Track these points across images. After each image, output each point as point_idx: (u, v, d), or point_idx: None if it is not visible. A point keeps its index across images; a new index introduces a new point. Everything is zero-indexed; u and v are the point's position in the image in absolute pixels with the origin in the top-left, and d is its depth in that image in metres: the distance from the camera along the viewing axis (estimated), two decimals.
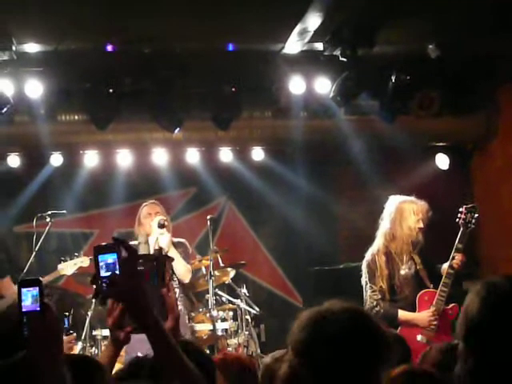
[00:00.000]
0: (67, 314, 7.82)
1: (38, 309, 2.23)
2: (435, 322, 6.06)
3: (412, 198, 6.40)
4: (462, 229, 6.18)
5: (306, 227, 9.91)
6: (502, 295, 2.07)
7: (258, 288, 10.01)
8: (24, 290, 2.26)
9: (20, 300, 2.25)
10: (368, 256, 6.29)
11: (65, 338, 4.50)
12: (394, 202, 6.38)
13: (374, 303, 6.08)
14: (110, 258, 2.22)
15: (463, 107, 8.88)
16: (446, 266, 6.15)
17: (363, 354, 2.06)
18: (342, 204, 10.04)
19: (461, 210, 6.28)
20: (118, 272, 2.20)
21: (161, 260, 2.78)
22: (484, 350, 2.02)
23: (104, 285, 2.21)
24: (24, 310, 2.24)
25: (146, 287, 2.25)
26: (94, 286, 2.26)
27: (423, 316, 6.09)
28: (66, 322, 7.78)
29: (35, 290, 2.26)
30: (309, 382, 2.07)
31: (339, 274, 8.76)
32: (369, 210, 8.93)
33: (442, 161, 9.45)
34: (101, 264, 2.23)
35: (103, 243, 2.26)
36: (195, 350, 2.71)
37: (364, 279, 6.24)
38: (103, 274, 2.23)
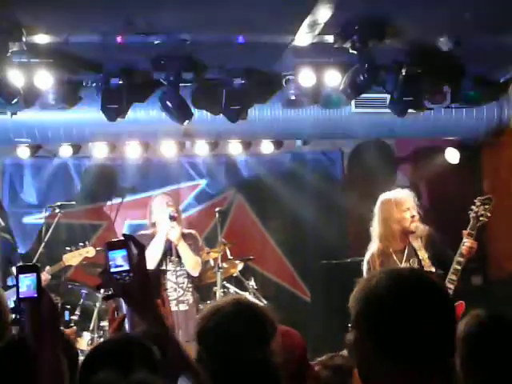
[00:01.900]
0: (68, 306, 7.82)
1: (35, 295, 2.25)
2: None
3: (393, 191, 6.36)
4: (472, 221, 6.11)
5: (315, 221, 9.90)
6: (407, 284, 2.02)
7: (266, 281, 10.01)
8: (21, 277, 2.27)
9: (17, 286, 2.26)
10: (367, 257, 6.30)
11: (66, 330, 4.54)
12: (377, 203, 6.38)
13: None
14: (120, 254, 2.22)
15: (474, 101, 8.83)
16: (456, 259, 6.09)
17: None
18: (351, 198, 10.01)
19: (475, 201, 6.19)
20: (127, 268, 2.20)
21: (156, 274, 2.83)
22: (385, 332, 1.95)
23: (116, 278, 2.21)
24: (21, 296, 2.25)
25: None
26: (100, 280, 2.26)
27: None
28: (67, 316, 7.80)
29: (32, 277, 2.27)
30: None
31: (347, 268, 8.74)
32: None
33: (452, 155, 9.41)
34: (110, 260, 2.23)
35: (114, 239, 2.27)
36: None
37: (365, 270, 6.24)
38: (113, 269, 2.22)
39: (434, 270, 6.13)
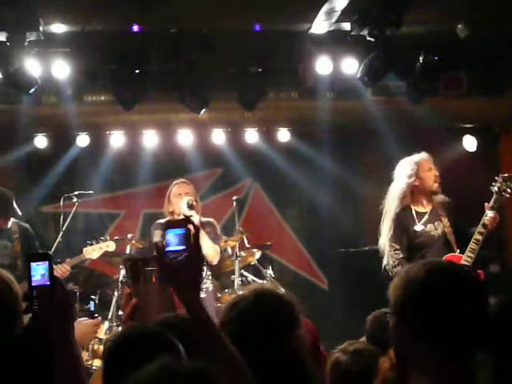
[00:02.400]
0: (93, 297, 7.89)
1: (48, 283, 2.23)
2: None
3: (412, 156, 6.27)
4: (494, 196, 6.01)
5: (332, 209, 9.89)
6: (445, 274, 2.09)
7: (284, 269, 10.02)
8: (33, 265, 2.25)
9: (29, 274, 2.24)
10: (387, 214, 6.18)
11: (90, 321, 4.52)
12: (397, 166, 6.28)
13: (396, 262, 5.93)
14: (178, 233, 2.22)
15: (491, 88, 8.78)
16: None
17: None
18: (367, 186, 9.97)
19: (497, 178, 6.12)
20: (184, 247, 2.19)
21: None
22: (422, 319, 2.02)
23: (170, 257, 2.19)
24: (34, 284, 2.23)
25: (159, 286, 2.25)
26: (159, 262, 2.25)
27: None
28: (93, 305, 7.85)
29: (45, 265, 2.25)
30: None
31: (365, 256, 8.73)
32: None
33: (470, 142, 9.36)
34: (167, 239, 2.22)
35: (173, 219, 2.28)
36: None
37: (383, 240, 6.12)
38: (168, 248, 2.21)
39: (454, 238, 6.05)
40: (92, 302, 7.71)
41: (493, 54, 8.17)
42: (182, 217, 2.08)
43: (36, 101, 8.37)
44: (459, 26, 7.35)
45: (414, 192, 6.18)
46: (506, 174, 6.12)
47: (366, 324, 3.74)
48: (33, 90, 7.41)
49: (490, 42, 7.77)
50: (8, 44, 7.00)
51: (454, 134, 9.40)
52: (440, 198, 6.23)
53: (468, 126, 9.47)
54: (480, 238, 5.88)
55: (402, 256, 5.97)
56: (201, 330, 2.16)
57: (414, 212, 6.17)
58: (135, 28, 7.29)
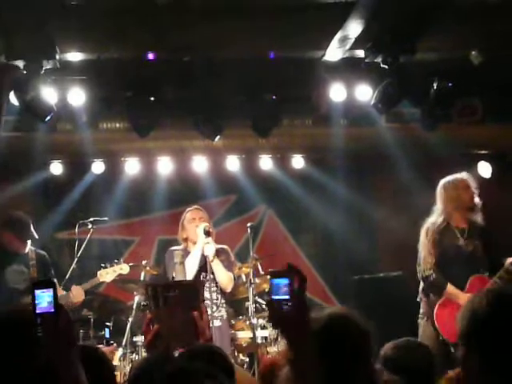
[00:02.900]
0: (109, 324, 7.88)
1: (53, 310, 2.25)
2: None
3: (453, 175, 6.55)
4: None
5: (346, 235, 9.86)
6: (508, 298, 2.10)
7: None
8: (38, 292, 2.28)
9: (34, 301, 2.27)
10: (425, 226, 6.43)
11: (106, 348, 4.55)
12: (438, 186, 6.55)
13: (429, 266, 6.23)
14: (282, 283, 2.25)
15: (506, 115, 8.77)
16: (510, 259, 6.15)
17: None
18: (382, 212, 9.97)
19: None
20: (287, 297, 2.23)
21: (195, 286, 2.83)
22: (488, 350, 2.02)
23: (280, 305, 2.24)
24: (38, 311, 2.26)
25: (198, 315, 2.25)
26: (268, 309, 2.34)
27: (466, 297, 5.94)
28: (108, 332, 7.84)
29: (49, 292, 2.27)
30: None
31: (380, 282, 8.70)
32: (409, 218, 8.82)
33: (485, 169, 9.34)
34: (273, 287, 2.27)
35: (278, 269, 2.31)
36: (221, 355, 2.74)
37: (423, 244, 6.35)
38: (274, 297, 2.26)
39: (484, 259, 6.34)
40: (107, 329, 7.69)
41: (507, 81, 8.16)
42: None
43: (52, 128, 8.44)
44: (473, 52, 7.36)
45: (451, 210, 6.41)
46: None
47: (385, 351, 3.70)
48: (49, 117, 7.46)
49: (505, 68, 7.78)
50: (25, 72, 7.07)
51: (468, 160, 9.37)
52: (477, 218, 6.45)
53: (483, 152, 9.45)
54: (505, 276, 6.05)
55: (436, 262, 6.23)
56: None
57: (450, 228, 6.39)
58: (150, 56, 7.35)
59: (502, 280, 6.05)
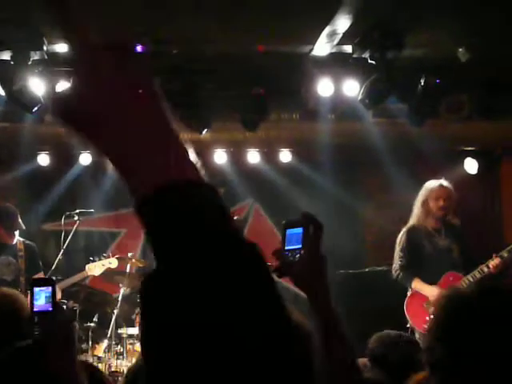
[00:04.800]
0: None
1: (51, 309, 2.21)
2: None
3: (435, 181, 6.93)
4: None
5: (332, 230, 9.83)
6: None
7: (284, 290, 9.96)
8: (37, 290, 2.23)
9: (32, 299, 2.23)
10: (403, 229, 6.89)
11: None
12: (425, 185, 6.95)
13: (397, 267, 6.75)
14: (296, 232, 2.18)
15: (493, 111, 8.81)
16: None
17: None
18: (368, 207, 10.01)
19: None
20: (300, 246, 2.16)
21: None
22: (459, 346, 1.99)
23: (288, 256, 2.17)
24: (36, 309, 2.22)
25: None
26: (276, 261, 2.20)
27: (434, 290, 6.40)
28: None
29: (48, 290, 2.23)
30: None
31: (364, 277, 8.74)
32: (396, 214, 8.89)
33: (471, 165, 9.39)
34: (287, 238, 2.20)
35: (293, 218, 2.23)
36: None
37: (396, 247, 6.85)
38: (286, 247, 2.19)
39: (460, 258, 6.71)
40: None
41: (494, 78, 8.20)
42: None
43: (39, 119, 8.41)
44: (460, 49, 7.39)
45: (425, 214, 6.81)
46: None
47: (370, 344, 3.73)
48: (36, 108, 7.45)
49: (492, 65, 7.81)
50: (12, 63, 7.06)
51: (455, 156, 9.42)
52: (453, 220, 6.88)
53: (469, 148, 9.49)
54: (478, 276, 6.27)
55: (403, 264, 6.71)
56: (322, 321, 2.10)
57: (423, 229, 6.79)
58: (138, 48, 7.34)
59: (474, 279, 6.40)
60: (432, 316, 2.07)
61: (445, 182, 6.92)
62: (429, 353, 1.97)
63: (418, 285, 6.57)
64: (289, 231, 2.21)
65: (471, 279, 6.38)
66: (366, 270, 8.98)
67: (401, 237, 6.86)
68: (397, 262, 6.77)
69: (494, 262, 6.31)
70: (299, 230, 2.18)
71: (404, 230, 6.88)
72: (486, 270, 6.35)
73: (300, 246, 2.16)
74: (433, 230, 6.78)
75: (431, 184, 6.88)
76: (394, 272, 6.79)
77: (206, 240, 0.94)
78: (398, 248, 6.83)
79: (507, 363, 1.87)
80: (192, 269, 0.91)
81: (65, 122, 1.06)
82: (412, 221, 6.88)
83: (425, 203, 6.80)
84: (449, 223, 6.83)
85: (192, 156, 1.01)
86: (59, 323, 2.17)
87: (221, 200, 1.02)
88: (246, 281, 0.94)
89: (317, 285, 2.12)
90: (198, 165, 1.02)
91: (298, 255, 2.15)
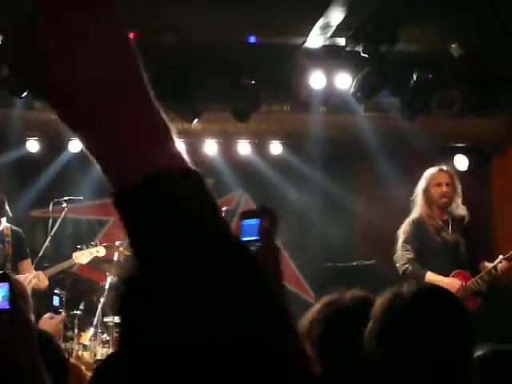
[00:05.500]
0: (57, 291, 7.61)
1: (8, 307, 1.96)
2: (459, 295, 5.78)
3: (435, 167, 6.57)
4: None
5: (322, 223, 9.88)
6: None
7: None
8: None
9: None
10: (405, 221, 6.48)
11: (54, 318, 4.42)
12: (425, 173, 6.60)
13: (406, 261, 6.25)
14: (252, 224, 2.17)
15: (484, 108, 8.81)
16: (488, 264, 6.24)
17: None
18: (358, 201, 10.00)
19: None
20: (256, 238, 2.15)
21: None
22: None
23: None
24: None
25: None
26: None
27: (451, 282, 6.04)
28: (58, 301, 7.58)
29: (5, 286, 1.98)
30: None
31: (351, 271, 8.73)
32: (385, 208, 8.91)
33: (461, 162, 9.38)
34: (243, 229, 2.18)
35: (249, 209, 2.19)
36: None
37: (399, 241, 6.41)
38: (244, 238, 2.16)
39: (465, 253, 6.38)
40: (57, 298, 7.44)
41: (486, 74, 8.20)
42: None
43: (29, 105, 8.36)
44: (453, 45, 7.38)
45: (428, 203, 6.44)
46: None
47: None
48: (25, 93, 7.40)
49: (484, 61, 7.81)
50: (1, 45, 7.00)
51: (446, 152, 9.41)
52: (458, 211, 6.46)
53: (460, 145, 9.49)
54: (487, 279, 6.16)
55: (411, 256, 6.27)
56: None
57: (429, 221, 6.42)
58: (130, 36, 7.29)
59: (482, 281, 6.17)
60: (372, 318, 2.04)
61: (445, 167, 6.60)
62: (370, 357, 1.95)
63: (433, 277, 6.09)
64: (245, 222, 2.20)
65: (480, 282, 6.13)
66: (354, 263, 8.98)
67: (404, 228, 6.44)
68: (403, 255, 6.31)
69: (501, 265, 6.09)
70: (255, 221, 2.18)
71: (408, 220, 6.47)
72: (493, 272, 6.11)
73: (256, 237, 2.16)
74: (441, 221, 6.41)
75: (430, 170, 6.54)
76: (400, 265, 6.30)
77: (193, 239, 0.88)
78: (401, 239, 6.39)
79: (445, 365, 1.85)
80: (178, 271, 0.85)
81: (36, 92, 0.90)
82: (415, 212, 6.49)
83: (426, 191, 6.42)
84: (457, 216, 6.41)
85: (177, 140, 0.93)
86: (17, 323, 1.93)
87: (208, 190, 0.93)
88: (235, 283, 0.87)
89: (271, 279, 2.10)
90: (184, 151, 0.92)
91: (255, 247, 2.14)
